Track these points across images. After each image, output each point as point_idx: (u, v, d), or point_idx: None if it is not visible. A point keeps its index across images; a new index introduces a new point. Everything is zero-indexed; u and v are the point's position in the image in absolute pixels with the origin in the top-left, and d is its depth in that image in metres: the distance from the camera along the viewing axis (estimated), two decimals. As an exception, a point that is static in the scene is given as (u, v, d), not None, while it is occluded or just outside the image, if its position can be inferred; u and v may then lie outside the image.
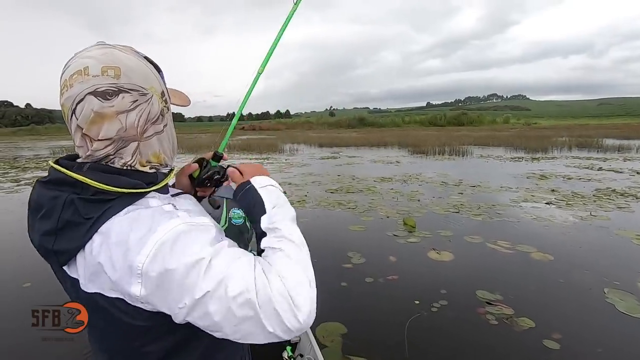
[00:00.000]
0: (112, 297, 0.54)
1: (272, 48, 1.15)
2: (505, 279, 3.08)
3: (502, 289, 2.85)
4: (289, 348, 1.70)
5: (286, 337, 0.53)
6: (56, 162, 0.58)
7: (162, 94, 0.63)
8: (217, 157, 0.84)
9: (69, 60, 0.56)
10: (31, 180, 9.08)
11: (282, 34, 1.17)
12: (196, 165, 0.82)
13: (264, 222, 0.64)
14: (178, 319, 0.53)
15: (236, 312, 0.50)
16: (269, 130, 58.58)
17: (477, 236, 4.15)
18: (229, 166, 0.82)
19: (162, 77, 0.64)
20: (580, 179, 7.98)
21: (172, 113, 0.71)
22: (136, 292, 0.51)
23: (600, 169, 9.50)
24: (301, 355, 1.73)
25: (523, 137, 19.80)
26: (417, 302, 2.65)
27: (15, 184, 8.71)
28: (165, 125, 0.64)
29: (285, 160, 13.39)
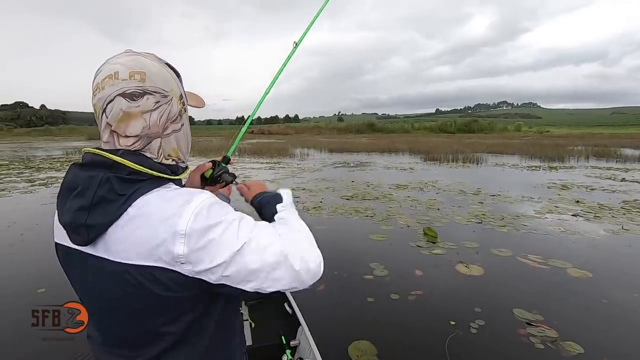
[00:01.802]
0: (147, 265, 0.56)
1: (281, 68, 1.20)
2: (543, 296, 2.89)
3: (541, 308, 2.67)
4: (288, 352, 1.65)
5: (307, 279, 0.63)
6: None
7: (181, 96, 0.70)
8: (226, 160, 0.99)
9: (101, 66, 0.62)
10: (45, 181, 9.12)
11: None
12: (210, 164, 0.95)
13: (279, 207, 0.79)
14: (215, 276, 0.57)
15: (268, 259, 0.60)
16: (278, 134, 58.71)
17: (505, 249, 3.96)
18: (236, 182, 0.96)
19: (181, 81, 0.71)
20: (604, 189, 7.71)
21: None
22: (179, 251, 0.55)
23: (623, 179, 9.21)
24: (301, 359, 1.68)
25: (537, 146, 19.45)
26: (452, 322, 2.47)
27: (30, 184, 8.74)
28: (182, 125, 0.70)
29: (297, 165, 13.30)
